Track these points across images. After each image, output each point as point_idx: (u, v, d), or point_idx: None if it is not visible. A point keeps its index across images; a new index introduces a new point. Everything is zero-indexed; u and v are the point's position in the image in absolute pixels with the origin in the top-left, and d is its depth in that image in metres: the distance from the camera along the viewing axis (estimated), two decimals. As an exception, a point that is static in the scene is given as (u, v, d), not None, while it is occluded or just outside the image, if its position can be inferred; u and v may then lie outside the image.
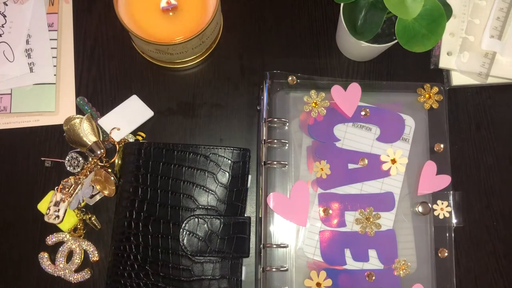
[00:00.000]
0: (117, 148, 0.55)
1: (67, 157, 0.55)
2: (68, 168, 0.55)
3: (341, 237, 0.52)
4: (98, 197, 0.55)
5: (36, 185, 0.55)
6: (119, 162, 0.54)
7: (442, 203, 0.53)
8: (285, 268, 0.51)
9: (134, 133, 0.56)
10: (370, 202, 0.53)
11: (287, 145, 0.54)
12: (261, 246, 0.51)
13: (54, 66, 0.58)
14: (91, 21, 0.60)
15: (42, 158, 0.56)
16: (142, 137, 0.56)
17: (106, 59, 0.59)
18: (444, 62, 0.58)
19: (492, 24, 0.57)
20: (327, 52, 0.59)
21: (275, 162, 0.53)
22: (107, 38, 0.59)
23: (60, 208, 0.53)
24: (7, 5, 0.58)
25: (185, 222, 0.49)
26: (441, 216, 0.53)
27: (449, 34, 0.58)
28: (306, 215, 0.52)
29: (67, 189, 0.53)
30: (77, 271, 0.53)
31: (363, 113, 0.55)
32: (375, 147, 0.54)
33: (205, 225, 0.50)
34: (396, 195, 0.54)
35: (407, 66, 0.59)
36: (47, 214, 0.53)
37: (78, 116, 0.56)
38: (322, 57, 0.59)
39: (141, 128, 0.57)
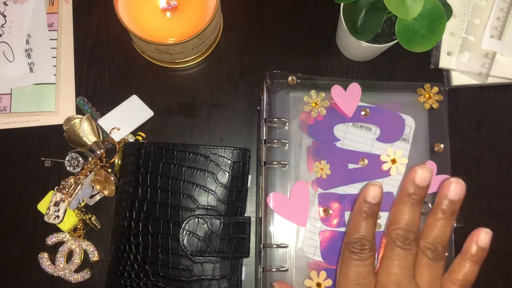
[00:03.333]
0: (117, 148, 0.55)
1: (67, 157, 0.55)
2: (68, 168, 0.55)
3: (341, 237, 0.52)
4: (98, 197, 0.55)
5: (36, 185, 0.55)
6: (119, 162, 0.54)
7: (442, 203, 0.53)
8: (285, 268, 0.51)
9: (134, 133, 0.56)
10: (370, 202, 0.53)
11: (287, 145, 0.54)
12: (261, 246, 0.51)
13: (54, 66, 0.58)
14: (91, 21, 0.60)
15: (42, 158, 0.56)
16: (142, 137, 0.56)
17: (106, 59, 0.59)
18: (444, 62, 0.58)
19: (492, 24, 0.57)
20: (327, 52, 0.59)
21: (275, 162, 0.53)
22: (107, 38, 0.59)
23: (60, 208, 0.53)
24: (7, 5, 0.58)
25: (185, 222, 0.49)
26: (441, 216, 0.53)
27: (449, 34, 0.58)
28: (306, 215, 0.52)
29: (67, 189, 0.53)
30: (77, 271, 0.53)
31: (363, 113, 0.55)
32: (375, 147, 0.54)
33: (205, 225, 0.50)
34: (396, 195, 0.54)
35: (407, 66, 0.59)
36: (47, 214, 0.53)
37: (78, 116, 0.56)
38: (322, 57, 0.59)
39: (141, 128, 0.57)
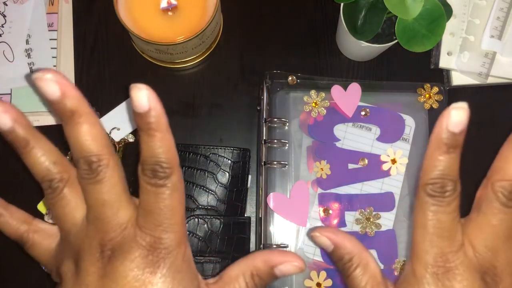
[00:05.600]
0: (117, 148, 0.55)
1: (67, 157, 0.55)
2: (68, 168, 0.55)
3: (341, 237, 0.52)
4: (98, 197, 0.55)
5: (36, 185, 0.55)
6: (119, 162, 0.54)
7: (442, 203, 0.53)
8: (285, 268, 0.51)
9: (134, 133, 0.56)
10: (370, 202, 0.53)
11: (287, 145, 0.54)
12: (261, 246, 0.51)
13: (54, 66, 0.58)
14: (91, 21, 0.60)
15: (42, 158, 0.56)
16: (142, 137, 0.56)
17: (106, 59, 0.59)
18: (444, 62, 0.58)
19: (492, 24, 0.57)
20: (327, 52, 0.59)
21: (275, 162, 0.53)
22: (107, 38, 0.59)
23: (60, 208, 0.53)
24: (7, 5, 0.58)
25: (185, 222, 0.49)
26: (441, 216, 0.53)
27: (449, 34, 0.58)
28: (306, 215, 0.52)
29: (67, 189, 0.53)
30: (77, 271, 0.53)
31: (363, 113, 0.55)
32: (375, 147, 0.54)
33: (205, 225, 0.50)
34: (396, 195, 0.54)
35: (407, 66, 0.59)
36: (47, 214, 0.53)
37: (78, 116, 0.56)
38: (322, 57, 0.59)
39: (141, 128, 0.57)
